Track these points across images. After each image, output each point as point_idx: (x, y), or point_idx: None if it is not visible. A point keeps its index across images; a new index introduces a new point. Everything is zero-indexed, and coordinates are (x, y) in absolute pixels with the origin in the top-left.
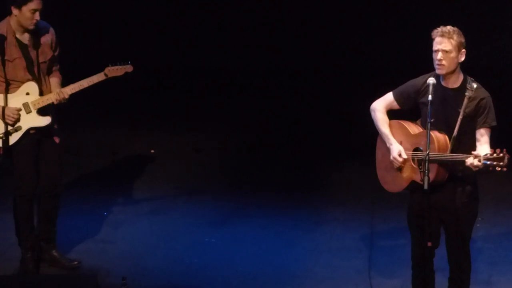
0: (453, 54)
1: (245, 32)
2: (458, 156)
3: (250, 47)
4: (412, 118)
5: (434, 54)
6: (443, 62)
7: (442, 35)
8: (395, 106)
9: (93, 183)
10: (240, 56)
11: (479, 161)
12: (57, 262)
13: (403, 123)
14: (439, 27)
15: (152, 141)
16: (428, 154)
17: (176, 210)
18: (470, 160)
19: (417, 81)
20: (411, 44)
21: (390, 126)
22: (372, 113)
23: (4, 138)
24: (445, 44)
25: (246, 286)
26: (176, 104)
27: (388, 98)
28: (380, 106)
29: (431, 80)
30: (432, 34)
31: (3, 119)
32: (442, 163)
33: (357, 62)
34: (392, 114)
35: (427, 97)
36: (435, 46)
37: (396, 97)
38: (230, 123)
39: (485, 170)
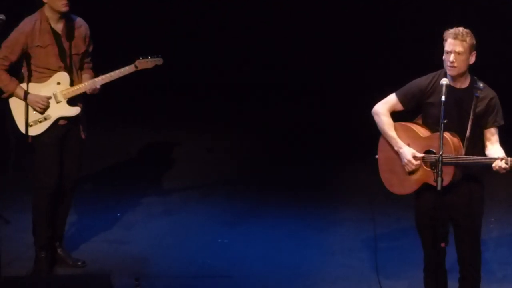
0: (465, 56)
1: (255, 35)
2: (482, 159)
3: (262, 48)
4: (408, 119)
5: (446, 55)
6: (455, 64)
7: (455, 37)
8: (399, 107)
9: (106, 183)
10: (253, 57)
11: (506, 163)
12: (61, 261)
13: (409, 125)
14: (451, 28)
15: (165, 141)
16: (441, 155)
17: (188, 210)
18: (498, 163)
19: (421, 81)
20: (415, 44)
21: (395, 129)
22: (376, 117)
23: (32, 126)
24: (458, 46)
25: (258, 286)
26: (188, 104)
27: (391, 100)
28: (383, 109)
29: (445, 81)
30: (445, 35)
31: (32, 107)
32: (458, 165)
33: (362, 60)
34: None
35: (436, 97)
36: (448, 47)
37: (400, 98)
38: (243, 123)
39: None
